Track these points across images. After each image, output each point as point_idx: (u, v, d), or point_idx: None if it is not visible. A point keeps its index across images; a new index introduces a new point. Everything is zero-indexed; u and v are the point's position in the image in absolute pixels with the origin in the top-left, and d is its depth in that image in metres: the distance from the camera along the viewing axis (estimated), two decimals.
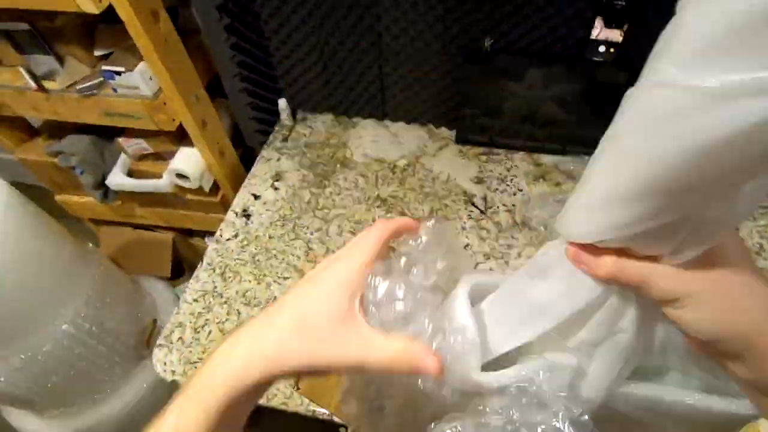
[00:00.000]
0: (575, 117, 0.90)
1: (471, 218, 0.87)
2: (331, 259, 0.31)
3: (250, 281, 0.80)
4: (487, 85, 0.90)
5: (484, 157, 0.98)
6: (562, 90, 0.88)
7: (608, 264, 0.26)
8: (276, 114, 1.05)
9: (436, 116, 1.02)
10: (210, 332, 0.75)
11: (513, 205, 0.89)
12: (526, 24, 0.80)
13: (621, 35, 0.77)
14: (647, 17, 0.73)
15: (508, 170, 0.95)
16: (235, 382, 0.26)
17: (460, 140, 1.01)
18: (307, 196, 0.92)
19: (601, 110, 0.86)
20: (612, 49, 0.79)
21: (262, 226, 0.88)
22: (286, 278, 0.80)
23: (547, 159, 0.96)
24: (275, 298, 0.78)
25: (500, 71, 0.88)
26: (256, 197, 0.93)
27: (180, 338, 0.74)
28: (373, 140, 1.03)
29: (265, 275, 0.81)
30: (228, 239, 0.86)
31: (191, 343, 0.74)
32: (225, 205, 1.08)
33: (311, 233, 0.86)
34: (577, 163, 0.94)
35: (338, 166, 0.97)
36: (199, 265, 0.83)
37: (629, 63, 0.79)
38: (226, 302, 0.78)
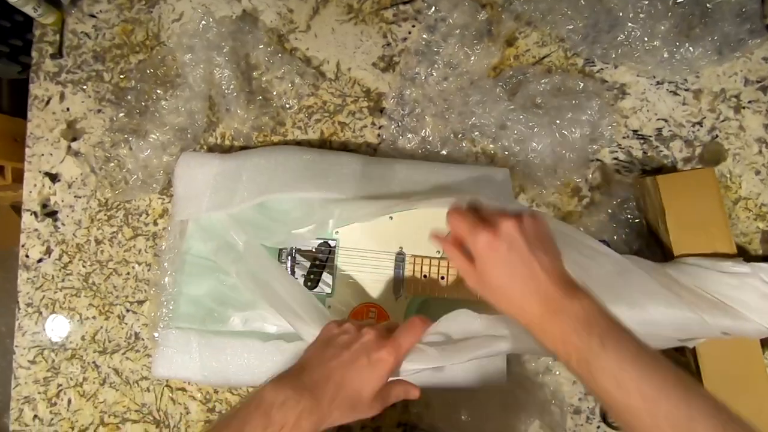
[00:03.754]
0: None
1: (382, 137, 0.57)
2: (370, 349, 0.35)
3: (94, 317, 0.57)
4: None
5: (389, 13, 0.60)
6: None
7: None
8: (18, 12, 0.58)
9: None
10: (71, 400, 0.56)
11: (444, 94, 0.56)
12: None
13: None
14: None
15: (433, 28, 0.57)
16: None
17: None
18: (126, 150, 0.58)
19: None
20: None
21: (78, 226, 0.58)
22: (141, 302, 0.57)
23: None
24: (137, 335, 0.56)
25: None
26: (53, 177, 0.59)
27: (35, 417, 0.56)
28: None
29: (111, 304, 0.57)
30: (39, 260, 0.58)
31: (52, 420, 0.56)
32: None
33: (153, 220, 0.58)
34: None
35: (157, 80, 0.59)
36: (16, 311, 0.58)
37: None
38: (74, 355, 0.56)
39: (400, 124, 0.57)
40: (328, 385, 0.33)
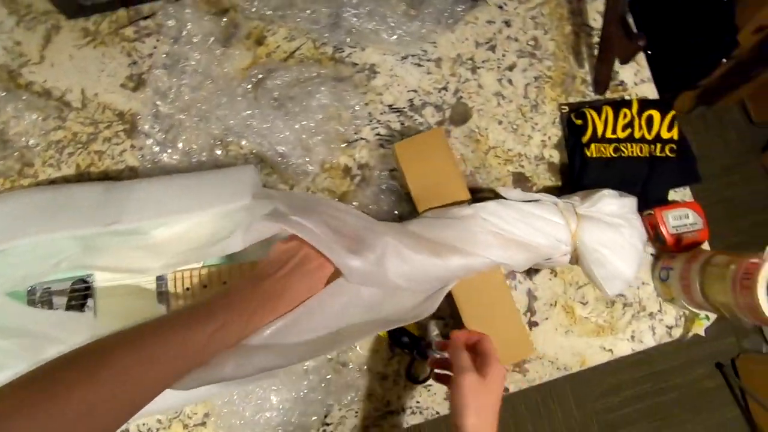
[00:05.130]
0: None
1: (144, 158, 0.55)
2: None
3: None
4: None
5: (130, 31, 0.57)
6: None
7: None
8: None
9: None
10: None
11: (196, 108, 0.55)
12: None
13: None
14: None
15: (177, 39, 0.56)
16: None
17: (71, 12, 0.56)
18: None
19: None
20: None
21: None
22: None
23: None
24: None
25: None
26: None
27: None
28: None
29: None
30: None
31: None
32: None
33: None
34: None
35: None
36: None
37: None
38: None
39: (159, 141, 0.55)
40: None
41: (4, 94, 0.53)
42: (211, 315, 0.36)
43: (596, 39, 0.62)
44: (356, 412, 0.53)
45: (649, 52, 0.63)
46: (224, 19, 0.58)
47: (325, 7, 0.58)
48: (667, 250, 0.57)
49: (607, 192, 0.50)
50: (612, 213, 0.49)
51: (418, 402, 0.54)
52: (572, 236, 0.47)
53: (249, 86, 0.54)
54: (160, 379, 0.32)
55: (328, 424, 0.52)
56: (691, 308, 0.56)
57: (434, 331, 0.55)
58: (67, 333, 0.42)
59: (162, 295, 0.45)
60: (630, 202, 0.51)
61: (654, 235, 0.57)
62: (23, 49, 0.56)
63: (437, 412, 0.55)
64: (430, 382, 0.54)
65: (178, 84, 0.55)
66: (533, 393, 1.34)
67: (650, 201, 0.57)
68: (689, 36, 0.89)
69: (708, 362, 1.39)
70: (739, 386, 1.35)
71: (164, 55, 0.56)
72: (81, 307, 0.46)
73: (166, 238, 0.45)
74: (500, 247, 0.45)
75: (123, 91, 0.56)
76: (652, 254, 0.59)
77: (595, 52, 0.61)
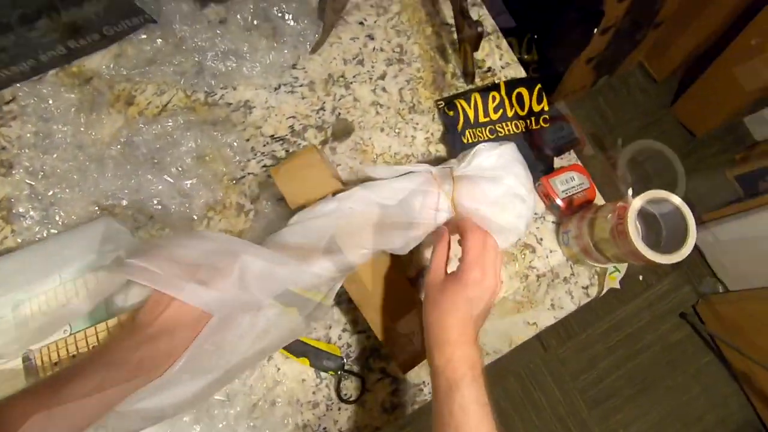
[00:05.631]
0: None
1: (25, 240, 0.53)
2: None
3: None
4: None
5: None
6: None
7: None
8: None
9: None
10: None
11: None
12: None
13: None
14: None
15: (42, 116, 0.56)
16: None
17: None
18: None
19: None
20: None
21: None
22: None
23: (94, 61, 0.58)
24: None
25: None
26: None
27: None
28: None
29: None
30: None
31: None
32: None
33: None
34: (131, 45, 0.59)
35: None
36: None
37: None
38: None
39: (38, 220, 0.53)
40: None
41: None
42: (83, 375, 0.33)
43: (455, 35, 0.66)
44: None
45: (535, 36, 0.67)
46: (87, 88, 0.58)
47: (185, 58, 0.59)
48: (565, 215, 0.59)
49: (482, 146, 0.48)
50: (492, 166, 0.47)
51: (355, 421, 0.53)
52: (451, 201, 0.46)
53: (118, 146, 0.54)
54: None
55: None
56: (597, 265, 0.58)
57: (357, 347, 0.55)
58: None
59: (30, 374, 0.43)
60: (508, 149, 0.49)
61: (549, 203, 0.59)
62: None
63: (376, 428, 0.53)
64: (365, 398, 0.53)
65: (49, 159, 0.55)
66: (511, 383, 1.33)
67: (538, 173, 0.60)
68: (561, 13, 0.95)
69: (672, 315, 1.42)
70: (706, 331, 1.39)
71: (30, 135, 0.55)
72: None
73: (24, 316, 0.43)
74: (373, 233, 0.43)
75: None
76: (553, 222, 0.61)
77: (456, 45, 0.65)
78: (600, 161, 1.37)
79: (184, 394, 0.37)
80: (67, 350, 0.43)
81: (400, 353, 0.49)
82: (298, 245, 0.43)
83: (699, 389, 1.37)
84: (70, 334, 0.44)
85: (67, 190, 0.53)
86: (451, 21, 0.67)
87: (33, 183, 0.54)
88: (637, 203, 0.46)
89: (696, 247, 0.57)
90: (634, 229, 0.45)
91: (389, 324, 0.48)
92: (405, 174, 0.48)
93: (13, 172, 0.55)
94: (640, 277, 1.35)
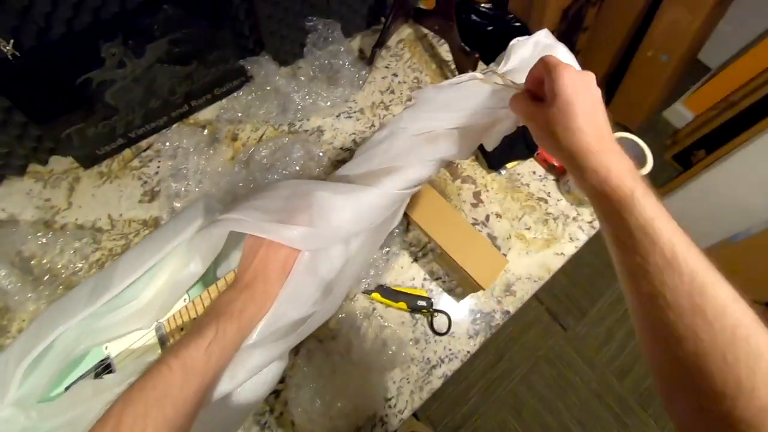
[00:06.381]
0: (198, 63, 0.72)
1: None
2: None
3: None
4: (46, 87, 0.61)
5: (136, 162, 0.75)
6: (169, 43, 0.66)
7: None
8: None
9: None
10: None
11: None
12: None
13: None
14: None
15: (173, 155, 0.74)
16: None
17: (88, 163, 0.72)
18: None
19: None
20: None
21: None
22: None
23: (207, 113, 0.79)
24: None
25: (53, 71, 0.59)
26: None
27: None
28: None
29: None
30: None
31: None
32: None
33: None
34: (232, 99, 0.80)
35: None
36: None
37: None
38: None
39: None
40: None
41: (44, 240, 0.65)
42: (200, 331, 0.36)
43: (453, 65, 0.91)
44: (407, 379, 0.65)
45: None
46: (205, 131, 0.78)
47: (271, 102, 0.80)
48: (561, 171, 0.81)
49: (514, 41, 0.48)
50: (531, 54, 0.47)
51: (450, 350, 0.68)
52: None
53: (241, 164, 0.73)
54: (179, 408, 0.33)
55: (389, 399, 0.64)
56: None
57: (438, 292, 0.71)
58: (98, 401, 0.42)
59: (163, 342, 0.48)
60: (542, 35, 0.48)
61: (546, 165, 0.81)
62: (53, 203, 0.70)
63: (468, 352, 0.68)
64: (453, 330, 0.68)
65: (185, 184, 0.73)
66: (545, 369, 1.45)
67: (532, 145, 0.82)
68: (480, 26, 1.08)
69: None
70: None
71: (167, 169, 0.74)
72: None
73: (150, 296, 0.47)
74: (431, 145, 0.45)
75: (141, 205, 0.72)
76: (553, 179, 0.82)
77: (456, 72, 0.90)
78: None
79: (294, 325, 0.41)
80: (189, 315, 0.48)
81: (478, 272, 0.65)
82: (363, 174, 0.47)
83: None
84: (189, 301, 0.49)
85: None
86: (447, 56, 0.93)
87: (175, 204, 0.71)
88: None
89: None
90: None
91: (464, 254, 0.65)
92: (455, 85, 0.46)
93: (156, 199, 0.73)
94: None
